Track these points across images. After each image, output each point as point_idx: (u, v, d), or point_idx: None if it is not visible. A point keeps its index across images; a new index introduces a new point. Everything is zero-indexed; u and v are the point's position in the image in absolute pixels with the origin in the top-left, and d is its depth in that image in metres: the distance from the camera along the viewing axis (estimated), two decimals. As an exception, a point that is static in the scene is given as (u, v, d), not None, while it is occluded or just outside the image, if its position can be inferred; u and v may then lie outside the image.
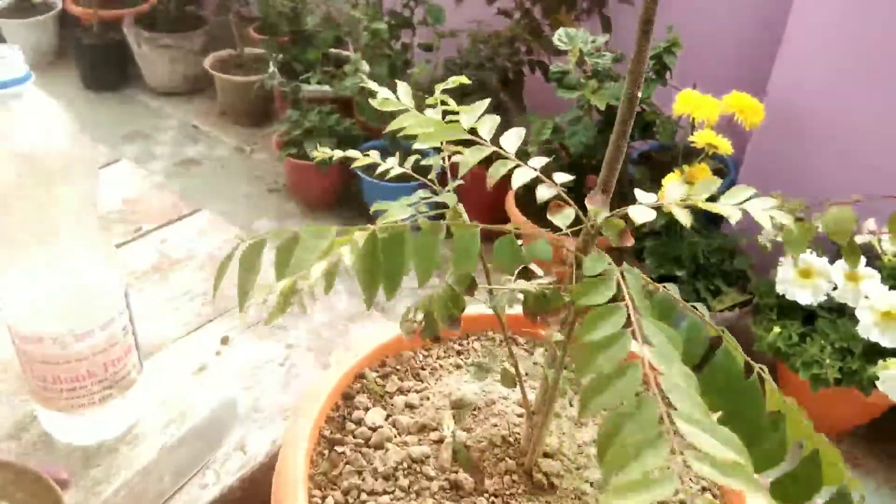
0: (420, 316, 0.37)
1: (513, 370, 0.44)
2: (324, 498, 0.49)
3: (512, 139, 0.36)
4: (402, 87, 0.39)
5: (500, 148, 0.36)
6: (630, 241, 0.40)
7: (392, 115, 0.39)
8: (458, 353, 0.63)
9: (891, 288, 1.43)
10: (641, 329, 0.29)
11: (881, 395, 1.40)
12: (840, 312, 1.50)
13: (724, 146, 1.52)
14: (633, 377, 0.27)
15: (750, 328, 1.59)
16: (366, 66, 2.17)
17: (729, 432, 0.24)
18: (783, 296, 1.53)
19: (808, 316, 1.55)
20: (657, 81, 1.73)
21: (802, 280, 1.51)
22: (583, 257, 0.35)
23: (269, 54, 2.35)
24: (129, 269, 0.88)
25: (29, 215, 0.55)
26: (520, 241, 0.38)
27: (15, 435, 0.68)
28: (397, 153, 0.43)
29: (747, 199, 0.31)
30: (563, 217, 0.40)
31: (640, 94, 0.32)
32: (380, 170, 0.43)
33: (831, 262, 1.50)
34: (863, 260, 1.46)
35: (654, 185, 1.70)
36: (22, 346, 0.61)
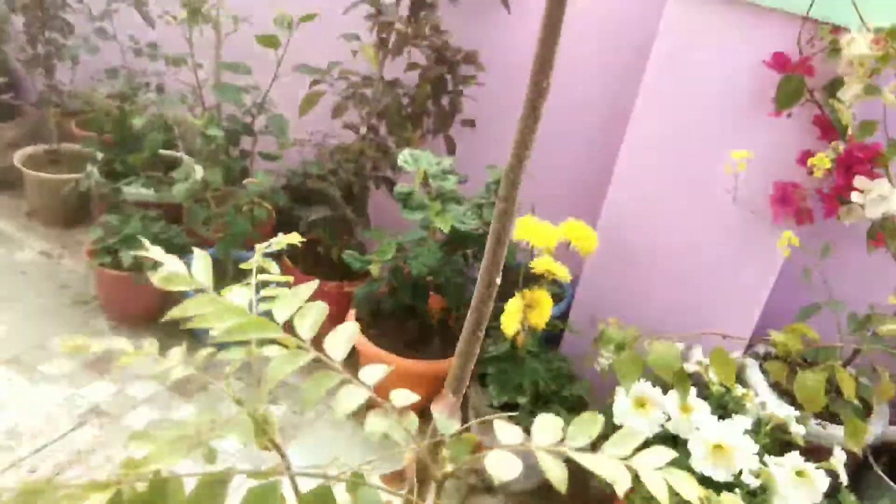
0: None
1: None
2: None
3: (340, 342, 0.27)
4: (199, 259, 0.29)
5: (325, 354, 0.27)
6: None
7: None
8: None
9: (719, 418, 1.47)
10: None
11: (717, 527, 1.40)
12: (675, 443, 1.51)
13: (562, 273, 1.54)
14: None
15: (592, 457, 1.56)
16: (199, 172, 2.03)
17: None
18: (621, 426, 1.52)
19: (644, 447, 1.55)
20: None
21: (638, 409, 1.51)
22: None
23: (88, 152, 2.14)
24: None
25: None
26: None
27: None
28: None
29: (635, 452, 0.23)
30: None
31: (500, 269, 0.25)
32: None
33: (666, 391, 1.52)
34: (693, 390, 1.49)
35: (495, 309, 1.67)
36: None
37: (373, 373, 0.27)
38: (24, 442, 1.64)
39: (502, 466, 0.23)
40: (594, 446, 0.24)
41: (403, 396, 0.26)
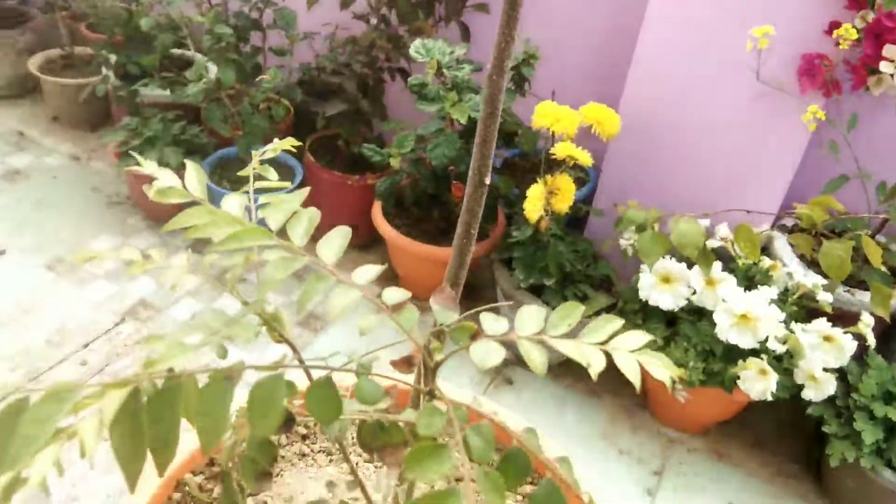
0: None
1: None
2: None
3: (333, 245, 0.29)
4: (193, 171, 0.30)
5: (316, 257, 0.29)
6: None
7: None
8: (304, 437, 0.55)
9: (746, 289, 1.49)
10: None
11: (742, 393, 1.45)
12: (700, 315, 1.55)
13: (584, 158, 1.53)
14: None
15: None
16: (213, 71, 2.01)
17: None
18: (646, 301, 1.56)
19: (670, 320, 1.59)
20: (515, 93, 1.71)
21: (663, 285, 1.54)
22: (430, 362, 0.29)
23: (101, 56, 2.13)
24: None
25: None
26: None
27: None
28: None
29: (612, 337, 0.25)
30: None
31: (490, 170, 0.26)
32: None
33: (691, 266, 1.54)
34: (718, 264, 1.50)
35: (520, 194, 1.68)
36: None
37: (365, 273, 0.29)
38: (75, 337, 1.74)
39: (487, 355, 0.25)
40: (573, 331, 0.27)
41: (396, 294, 0.28)
